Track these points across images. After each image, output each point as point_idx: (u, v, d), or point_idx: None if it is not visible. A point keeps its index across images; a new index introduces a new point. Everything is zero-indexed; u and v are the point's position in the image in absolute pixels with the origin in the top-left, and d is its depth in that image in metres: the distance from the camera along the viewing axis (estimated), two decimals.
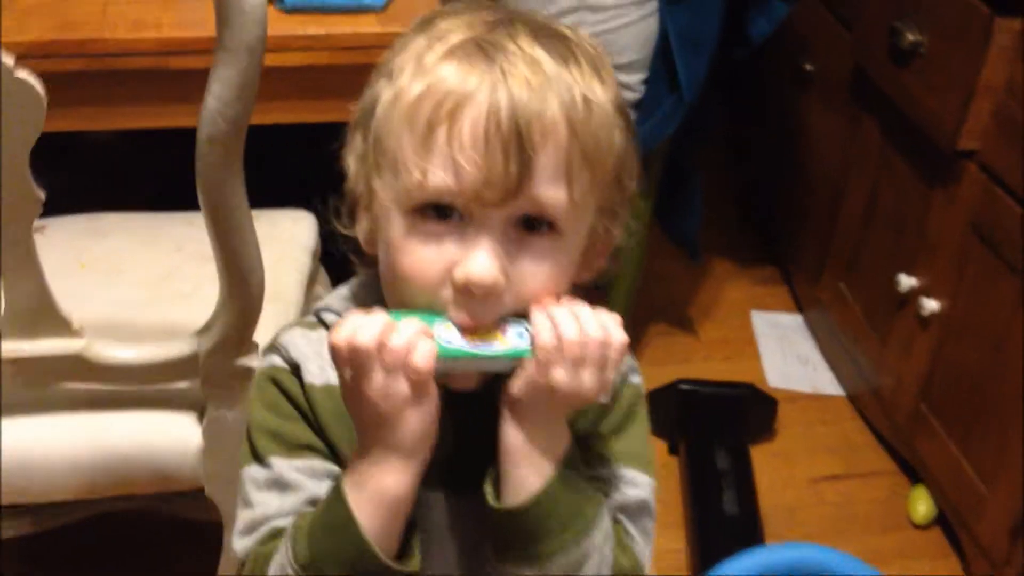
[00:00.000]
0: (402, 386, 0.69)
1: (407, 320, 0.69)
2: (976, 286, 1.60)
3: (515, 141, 0.68)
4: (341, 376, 0.71)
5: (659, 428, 1.89)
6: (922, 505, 1.79)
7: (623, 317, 0.73)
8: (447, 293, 0.71)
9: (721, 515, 1.72)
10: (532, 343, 0.70)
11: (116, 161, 1.89)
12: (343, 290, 0.84)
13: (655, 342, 2.15)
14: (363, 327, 0.68)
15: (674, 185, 1.81)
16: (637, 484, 0.81)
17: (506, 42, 0.70)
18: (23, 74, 0.86)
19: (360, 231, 0.77)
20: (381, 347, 0.68)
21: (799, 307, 2.26)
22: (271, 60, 1.23)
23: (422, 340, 0.69)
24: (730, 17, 1.63)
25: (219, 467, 1.18)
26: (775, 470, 1.89)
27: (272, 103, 1.27)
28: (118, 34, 1.18)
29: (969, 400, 1.64)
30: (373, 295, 0.79)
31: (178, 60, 1.21)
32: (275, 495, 0.77)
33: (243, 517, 0.79)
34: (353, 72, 0.77)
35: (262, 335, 1.15)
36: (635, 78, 1.65)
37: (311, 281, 1.44)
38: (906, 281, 1.73)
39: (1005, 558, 1.57)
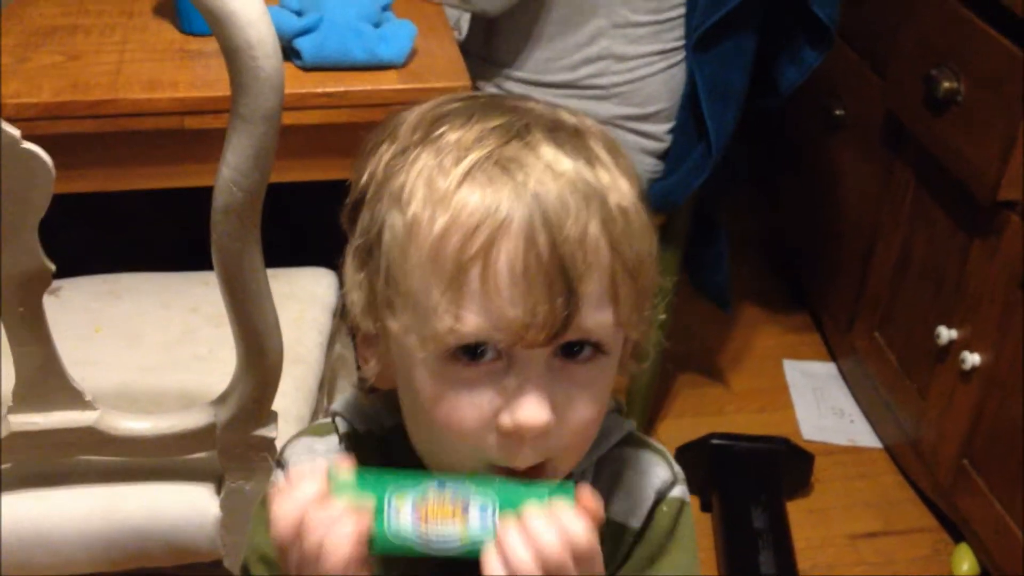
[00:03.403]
0: None
1: (331, 516, 0.61)
2: (1021, 340, 1.54)
3: (559, 274, 0.60)
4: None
5: (691, 484, 1.82)
6: (965, 564, 1.73)
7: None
8: (491, 439, 0.64)
9: None
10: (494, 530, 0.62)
11: (134, 219, 1.87)
12: (350, 395, 0.78)
13: (685, 392, 2.10)
14: (280, 518, 0.62)
15: (703, 238, 1.77)
16: None
17: (526, 155, 0.62)
18: (29, 145, 0.83)
19: (369, 370, 0.71)
20: (296, 537, 0.61)
21: (832, 355, 2.20)
22: (289, 118, 1.20)
23: (340, 547, 0.60)
24: (759, 66, 1.59)
25: (238, 539, 1.14)
26: (812, 527, 1.83)
27: (290, 161, 1.24)
28: (132, 94, 1.16)
29: (1014, 456, 1.58)
30: (377, 403, 0.75)
31: (195, 120, 1.18)
32: None
33: None
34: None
35: (282, 401, 1.12)
36: (662, 128, 1.61)
37: (331, 340, 1.41)
38: (946, 334, 1.68)
39: None
